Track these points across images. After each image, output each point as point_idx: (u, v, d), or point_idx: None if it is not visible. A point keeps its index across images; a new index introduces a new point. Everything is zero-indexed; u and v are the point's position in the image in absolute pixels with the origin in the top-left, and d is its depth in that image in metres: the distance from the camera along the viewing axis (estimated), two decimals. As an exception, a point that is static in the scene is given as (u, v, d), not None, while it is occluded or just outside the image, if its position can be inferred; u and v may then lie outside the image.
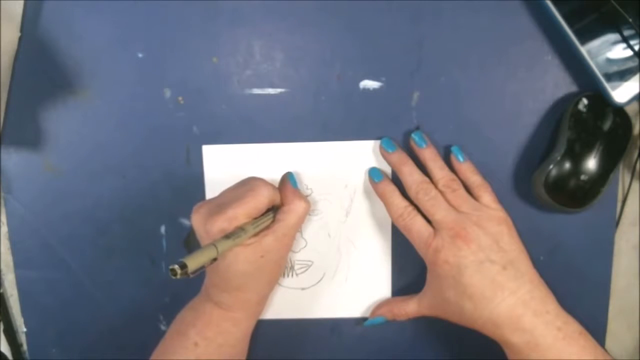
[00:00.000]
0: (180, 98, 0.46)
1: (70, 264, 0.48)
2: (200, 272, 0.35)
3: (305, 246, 0.47)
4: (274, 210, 0.42)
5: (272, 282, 0.44)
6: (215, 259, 0.35)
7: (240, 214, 0.39)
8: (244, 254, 0.39)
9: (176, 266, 0.33)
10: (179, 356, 0.42)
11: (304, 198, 0.43)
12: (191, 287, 0.48)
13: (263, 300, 0.44)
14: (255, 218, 0.40)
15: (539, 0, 0.42)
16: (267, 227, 0.41)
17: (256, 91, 0.45)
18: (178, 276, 0.33)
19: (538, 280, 0.40)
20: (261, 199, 0.40)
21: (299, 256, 0.47)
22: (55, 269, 0.48)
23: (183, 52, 0.45)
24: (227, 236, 0.37)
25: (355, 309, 0.48)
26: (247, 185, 0.41)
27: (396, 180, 0.45)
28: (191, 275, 0.33)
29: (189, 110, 0.46)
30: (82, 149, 0.46)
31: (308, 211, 0.43)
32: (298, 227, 0.43)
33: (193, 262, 0.33)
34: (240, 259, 0.39)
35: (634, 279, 0.47)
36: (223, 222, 0.38)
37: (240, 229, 0.38)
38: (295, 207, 0.42)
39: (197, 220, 0.40)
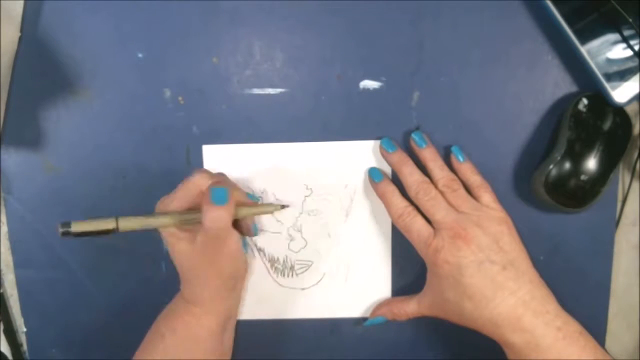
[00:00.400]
0: (180, 98, 0.46)
1: (70, 264, 0.48)
2: None
3: (305, 246, 0.47)
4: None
5: (224, 282, 0.42)
6: (112, 231, 0.37)
7: (170, 200, 0.40)
8: (179, 246, 0.41)
9: (59, 224, 0.34)
10: (151, 347, 0.43)
11: (220, 209, 0.38)
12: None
13: (217, 298, 0.43)
14: (194, 210, 0.40)
15: (539, 0, 0.42)
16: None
17: (256, 91, 0.45)
18: (60, 234, 0.34)
19: (538, 280, 0.40)
20: (189, 186, 0.41)
21: (299, 256, 0.47)
22: (55, 269, 0.48)
23: (183, 52, 0.45)
24: (146, 216, 0.39)
25: (355, 309, 0.48)
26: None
27: (396, 180, 0.45)
28: (74, 234, 0.35)
29: (189, 110, 0.46)
30: (82, 149, 0.46)
31: (223, 224, 0.39)
32: (226, 236, 0.40)
33: (81, 225, 0.35)
34: (177, 250, 0.41)
35: (634, 279, 0.47)
36: (158, 205, 0.41)
37: (165, 213, 0.40)
38: (207, 218, 0.38)
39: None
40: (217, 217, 0.38)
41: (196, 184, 0.41)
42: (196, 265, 0.41)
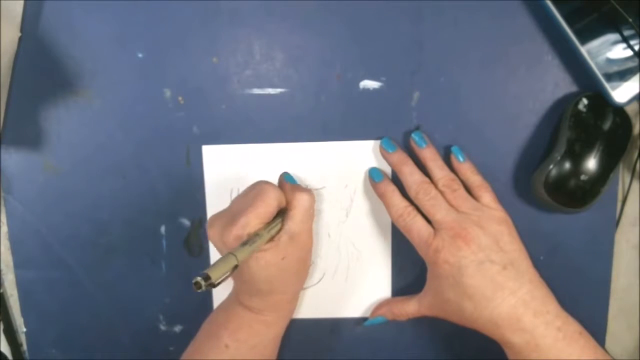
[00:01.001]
0: (180, 98, 0.46)
1: (70, 264, 0.48)
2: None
3: (305, 246, 0.47)
4: (282, 213, 0.42)
5: (300, 279, 0.44)
6: (236, 267, 0.36)
7: (252, 219, 0.39)
8: (265, 259, 0.39)
9: (199, 279, 0.33)
10: (212, 357, 0.42)
11: (306, 191, 0.42)
12: (191, 287, 0.48)
13: (294, 298, 0.45)
14: (268, 222, 0.40)
15: (539, 0, 0.42)
16: (280, 229, 0.41)
17: (256, 91, 0.45)
18: (203, 288, 0.33)
19: (538, 280, 0.40)
20: (270, 202, 0.40)
21: (299, 256, 0.47)
22: (55, 269, 0.48)
23: (183, 52, 0.45)
24: (244, 243, 0.37)
25: (355, 309, 0.48)
26: (255, 190, 0.41)
27: (396, 180, 0.45)
28: (216, 286, 0.34)
29: (189, 110, 0.46)
30: (82, 149, 0.46)
31: (313, 202, 0.42)
32: (308, 220, 0.42)
33: (215, 273, 0.34)
34: (262, 264, 0.39)
35: (634, 279, 0.47)
36: (237, 230, 0.38)
37: (255, 234, 0.38)
38: (298, 202, 0.41)
39: (213, 234, 0.41)
40: (307, 196, 0.42)
41: (272, 197, 0.40)
42: (281, 272, 0.41)
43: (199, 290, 0.33)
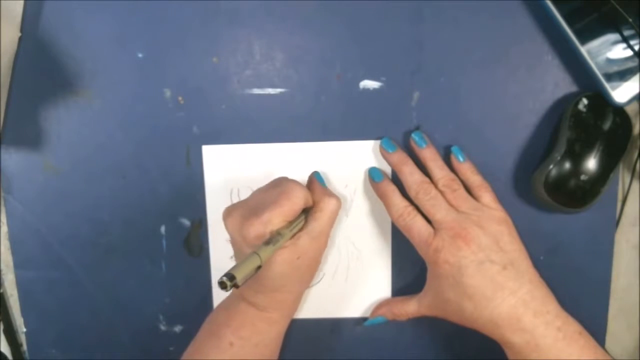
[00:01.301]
0: (180, 98, 0.46)
1: (70, 264, 0.48)
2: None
3: (305, 246, 0.47)
4: (305, 210, 0.42)
5: (309, 280, 0.44)
6: (259, 267, 0.36)
7: (276, 217, 0.38)
8: (282, 257, 0.39)
9: (225, 278, 0.33)
10: (214, 356, 0.42)
11: (335, 196, 0.42)
12: (191, 287, 0.48)
13: (298, 298, 0.45)
14: (290, 221, 0.40)
15: (539, 0, 0.42)
16: (301, 228, 0.41)
17: (256, 91, 0.45)
18: (228, 288, 0.33)
19: (538, 280, 0.40)
20: (297, 201, 0.39)
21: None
22: (55, 269, 0.48)
23: (183, 52, 0.45)
24: (267, 242, 0.37)
25: (355, 309, 0.48)
26: (280, 187, 0.41)
27: (396, 180, 0.45)
28: (240, 286, 0.34)
29: (189, 110, 0.46)
30: (82, 149, 0.46)
31: (339, 208, 0.42)
32: (332, 225, 0.42)
33: (240, 273, 0.34)
34: (278, 261, 0.39)
35: (634, 279, 0.47)
36: (259, 227, 0.38)
37: (278, 233, 0.38)
38: (326, 206, 0.41)
39: (232, 224, 0.40)
40: (336, 200, 0.42)
41: (299, 196, 0.40)
42: (293, 270, 0.40)
43: (224, 290, 0.33)
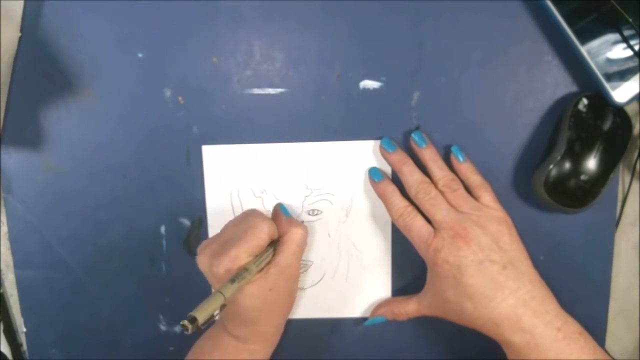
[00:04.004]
0: (180, 98, 0.46)
1: (70, 264, 0.48)
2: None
3: (305, 246, 0.47)
4: (273, 243, 0.42)
5: (286, 312, 0.45)
6: (224, 305, 0.36)
7: (242, 253, 0.39)
8: (251, 291, 0.40)
9: (186, 322, 0.33)
10: None
11: (300, 225, 0.43)
12: (191, 287, 0.48)
13: (279, 329, 0.45)
14: (257, 255, 0.40)
15: (539, 0, 0.42)
16: (270, 261, 0.41)
17: (256, 91, 0.45)
18: (189, 331, 0.33)
19: (538, 280, 0.40)
20: (261, 236, 0.40)
21: (299, 256, 0.47)
22: (55, 269, 0.48)
23: (183, 52, 0.45)
24: (232, 280, 0.38)
25: (355, 309, 0.48)
26: (247, 222, 0.41)
27: (396, 180, 0.45)
28: (202, 327, 0.34)
29: (189, 110, 0.46)
30: (82, 149, 0.46)
31: (306, 237, 0.43)
32: (300, 255, 0.43)
33: (202, 314, 0.34)
34: (248, 295, 0.40)
35: (634, 279, 0.47)
36: (227, 263, 0.39)
37: (244, 269, 0.39)
38: (292, 236, 0.42)
39: (202, 262, 0.41)
40: (301, 230, 0.42)
41: (264, 231, 0.40)
42: (267, 303, 0.41)
43: (187, 333, 0.33)
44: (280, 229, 0.43)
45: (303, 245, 0.43)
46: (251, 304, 0.40)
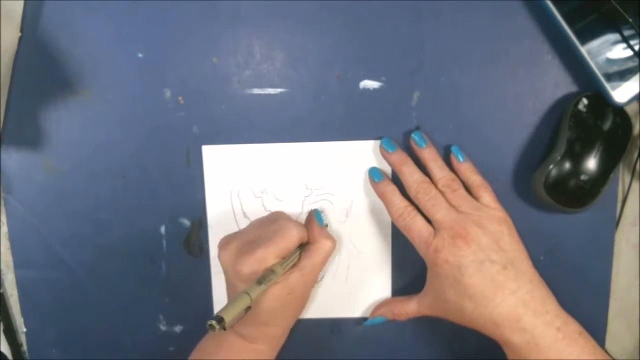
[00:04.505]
0: (180, 98, 0.46)
1: (70, 264, 0.48)
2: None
3: (305, 246, 0.47)
4: (300, 247, 0.43)
5: (297, 315, 0.45)
6: (249, 308, 0.36)
7: (270, 254, 0.39)
8: (273, 293, 0.40)
9: (214, 322, 0.33)
10: None
11: (331, 237, 0.43)
12: (191, 287, 0.48)
13: (286, 331, 0.45)
14: (284, 258, 0.40)
15: (539, 0, 0.42)
16: (294, 265, 0.41)
17: (256, 91, 0.45)
18: (217, 330, 0.33)
19: (538, 280, 0.40)
20: (291, 239, 0.40)
21: (299, 256, 0.47)
22: (55, 269, 0.48)
23: (183, 52, 0.45)
24: (259, 281, 0.38)
25: (355, 309, 0.48)
26: (277, 224, 0.42)
27: (396, 180, 0.45)
28: (227, 329, 0.34)
29: (189, 110, 0.46)
30: (82, 149, 0.46)
31: (334, 249, 0.43)
32: (323, 265, 0.43)
33: (229, 315, 0.34)
34: (269, 297, 0.40)
35: (634, 279, 0.47)
36: (254, 264, 0.39)
37: (271, 271, 0.39)
38: (322, 246, 0.43)
39: (225, 258, 0.41)
40: (331, 243, 0.43)
41: (295, 235, 0.41)
42: (283, 306, 0.41)
43: (212, 332, 0.33)
44: (311, 236, 0.43)
45: (329, 257, 0.43)
46: (270, 305, 0.40)
